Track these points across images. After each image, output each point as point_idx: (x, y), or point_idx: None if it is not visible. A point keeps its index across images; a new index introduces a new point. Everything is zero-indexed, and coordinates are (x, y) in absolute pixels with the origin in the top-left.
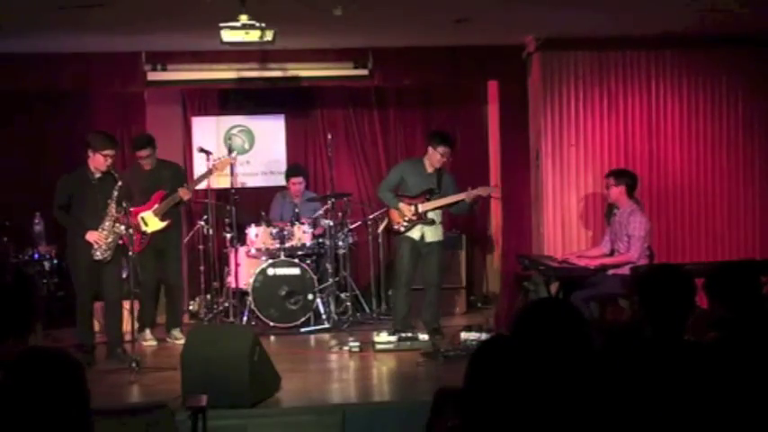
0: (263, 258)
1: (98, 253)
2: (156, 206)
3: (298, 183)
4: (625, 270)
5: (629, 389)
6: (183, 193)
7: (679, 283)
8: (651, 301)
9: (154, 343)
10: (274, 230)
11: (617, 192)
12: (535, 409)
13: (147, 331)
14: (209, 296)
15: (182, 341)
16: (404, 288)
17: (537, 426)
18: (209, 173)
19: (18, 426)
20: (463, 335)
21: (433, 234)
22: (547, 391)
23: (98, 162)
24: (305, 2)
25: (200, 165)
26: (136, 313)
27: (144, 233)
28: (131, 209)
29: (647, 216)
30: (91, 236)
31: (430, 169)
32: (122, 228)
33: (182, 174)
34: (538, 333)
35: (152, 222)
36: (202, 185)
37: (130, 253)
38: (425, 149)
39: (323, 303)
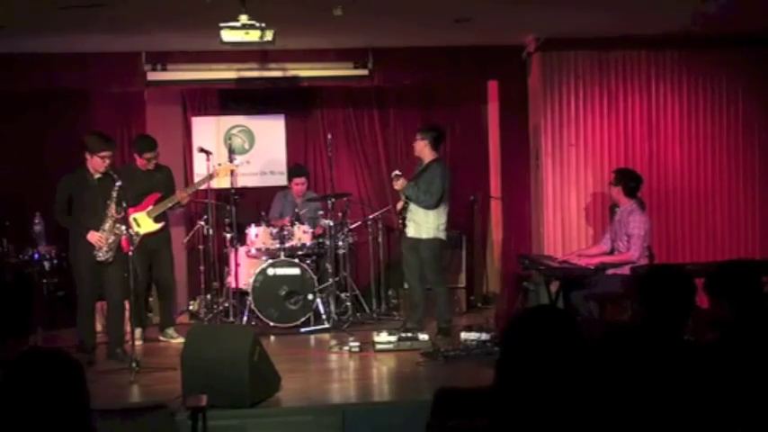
0: (263, 258)
1: (100, 254)
2: (150, 208)
3: (300, 183)
4: (625, 270)
5: (629, 389)
6: (181, 196)
7: (679, 283)
8: (651, 301)
9: (139, 343)
10: (274, 230)
11: (615, 191)
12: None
13: (138, 331)
14: (209, 296)
15: (177, 340)
16: (409, 283)
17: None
18: (209, 177)
19: (18, 426)
20: (463, 335)
21: (414, 230)
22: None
23: (96, 164)
24: (305, 2)
25: (200, 165)
26: (127, 313)
27: (136, 234)
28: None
29: (647, 216)
30: (92, 237)
31: (424, 162)
32: (123, 228)
33: (172, 177)
34: (530, 343)
35: (145, 224)
36: (202, 186)
37: (130, 253)
38: None
39: (323, 303)
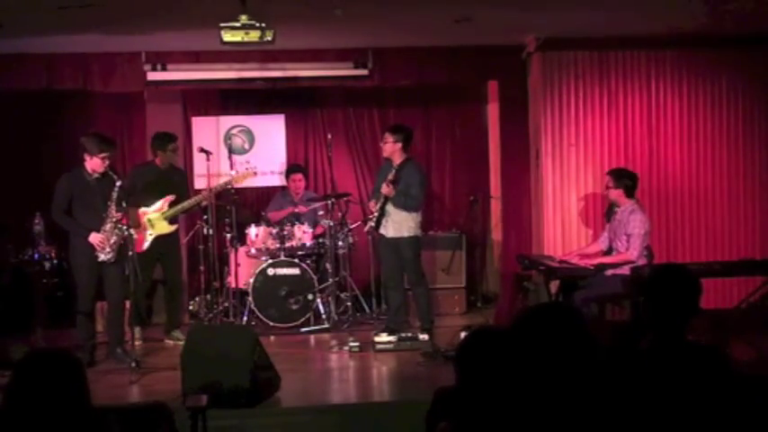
0: (263, 258)
1: (102, 255)
2: (166, 210)
3: (298, 179)
4: (625, 270)
5: (632, 390)
6: (205, 196)
7: (684, 282)
8: (656, 300)
9: (139, 342)
10: (274, 230)
11: (616, 194)
12: (528, 406)
13: (137, 329)
14: (209, 296)
15: (183, 342)
16: (388, 284)
17: (534, 425)
18: (228, 183)
19: (24, 423)
20: (463, 335)
21: (394, 230)
22: (540, 387)
23: (95, 165)
24: (305, 2)
25: (200, 165)
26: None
27: (150, 234)
28: (139, 209)
29: (647, 215)
30: (94, 238)
31: (395, 163)
32: (124, 228)
33: (187, 181)
34: (538, 337)
35: (159, 225)
36: (202, 185)
37: (130, 253)
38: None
39: (323, 303)
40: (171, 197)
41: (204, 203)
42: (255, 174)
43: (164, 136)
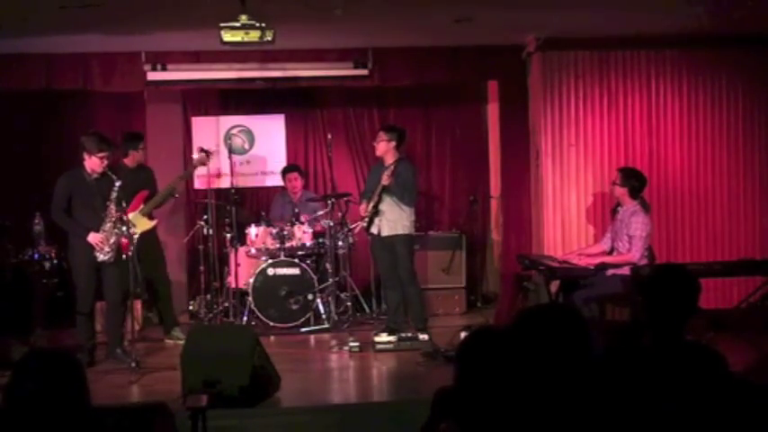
0: (263, 258)
1: (101, 255)
2: (142, 206)
3: (294, 178)
4: (625, 270)
5: (631, 390)
6: (176, 183)
7: (683, 282)
8: (655, 300)
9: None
10: (274, 230)
11: (620, 191)
12: (528, 406)
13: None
14: (209, 296)
15: (184, 341)
16: (386, 284)
17: (535, 424)
18: (195, 166)
19: (23, 424)
20: (463, 335)
21: (389, 228)
22: (540, 387)
23: (94, 164)
24: (305, 2)
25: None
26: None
27: (134, 233)
28: None
29: (650, 217)
30: (93, 238)
31: (386, 163)
32: (123, 228)
33: (155, 177)
34: (538, 337)
35: (140, 223)
36: (203, 185)
37: (130, 253)
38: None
39: (323, 303)
40: (144, 193)
41: (176, 195)
42: (210, 153)
43: (135, 135)
